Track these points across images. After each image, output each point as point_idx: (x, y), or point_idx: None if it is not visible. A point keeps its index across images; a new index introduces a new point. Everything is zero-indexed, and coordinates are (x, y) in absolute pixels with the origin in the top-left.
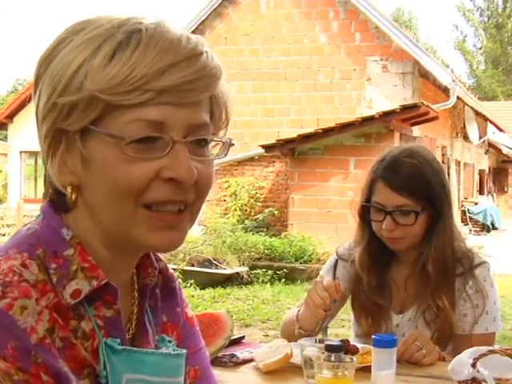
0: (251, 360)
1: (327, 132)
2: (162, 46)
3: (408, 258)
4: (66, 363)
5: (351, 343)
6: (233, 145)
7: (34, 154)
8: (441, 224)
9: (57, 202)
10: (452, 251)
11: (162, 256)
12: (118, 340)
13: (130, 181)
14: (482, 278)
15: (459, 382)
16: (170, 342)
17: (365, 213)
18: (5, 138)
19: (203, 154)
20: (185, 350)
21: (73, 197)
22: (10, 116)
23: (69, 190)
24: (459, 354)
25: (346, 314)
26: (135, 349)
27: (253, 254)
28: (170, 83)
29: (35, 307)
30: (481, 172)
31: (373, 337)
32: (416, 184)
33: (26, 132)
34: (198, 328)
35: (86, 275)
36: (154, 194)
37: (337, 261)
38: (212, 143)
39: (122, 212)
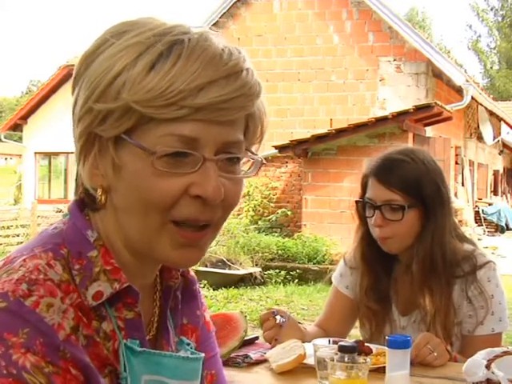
0: (264, 361)
1: (340, 132)
2: (203, 60)
3: (404, 259)
4: (90, 360)
5: (365, 344)
6: (264, 164)
7: (48, 155)
8: (431, 224)
9: (86, 201)
10: (442, 252)
11: None
12: (138, 341)
13: (159, 195)
14: (485, 278)
15: (473, 383)
16: (188, 344)
17: (360, 211)
18: (19, 140)
19: (233, 171)
20: (202, 354)
21: (102, 198)
22: (25, 117)
23: (99, 191)
24: (465, 354)
25: None
26: (154, 351)
27: (266, 254)
28: (206, 101)
29: (60, 305)
30: (495, 172)
31: (387, 338)
32: (405, 179)
33: (41, 133)
34: (214, 333)
35: (108, 278)
36: (181, 212)
37: (345, 269)
38: (244, 159)
39: (148, 223)
